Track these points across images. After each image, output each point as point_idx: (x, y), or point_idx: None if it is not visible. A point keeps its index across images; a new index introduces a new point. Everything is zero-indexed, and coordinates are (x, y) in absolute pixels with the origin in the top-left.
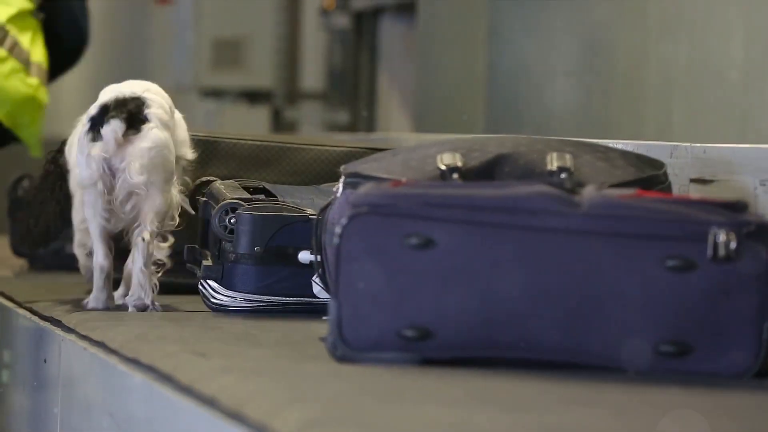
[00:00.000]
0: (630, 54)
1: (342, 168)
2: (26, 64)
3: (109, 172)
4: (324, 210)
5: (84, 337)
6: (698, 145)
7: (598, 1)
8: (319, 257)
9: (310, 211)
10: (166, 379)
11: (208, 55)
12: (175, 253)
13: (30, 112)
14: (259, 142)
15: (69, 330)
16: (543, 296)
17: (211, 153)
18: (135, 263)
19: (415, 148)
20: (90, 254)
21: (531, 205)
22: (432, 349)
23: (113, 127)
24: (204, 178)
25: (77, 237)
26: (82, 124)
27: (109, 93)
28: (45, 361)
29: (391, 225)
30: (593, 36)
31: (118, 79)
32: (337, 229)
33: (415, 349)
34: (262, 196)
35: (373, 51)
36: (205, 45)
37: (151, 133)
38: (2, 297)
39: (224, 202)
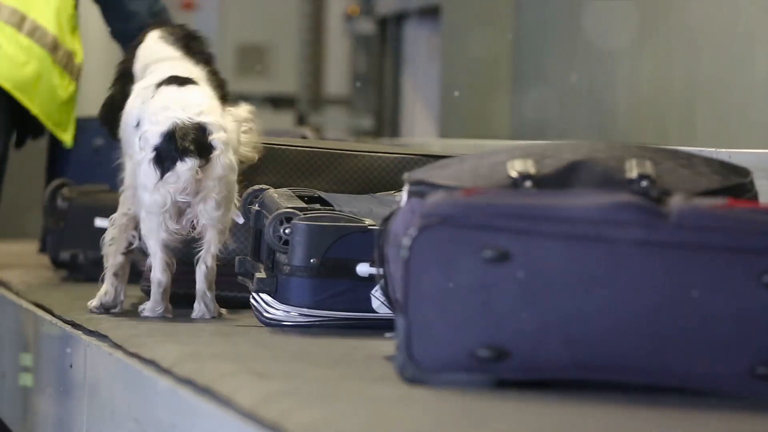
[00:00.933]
0: (654, 60)
1: (406, 176)
2: (77, 74)
3: (178, 206)
4: (387, 220)
5: (133, 355)
6: (723, 150)
7: (622, 6)
8: (381, 270)
9: (368, 221)
10: (224, 402)
11: (232, 61)
12: (226, 265)
13: (68, 112)
14: (309, 149)
15: (91, 334)
16: (627, 314)
17: (259, 160)
18: (198, 286)
19: (483, 155)
20: (124, 253)
21: (615, 215)
22: (508, 371)
23: (190, 166)
24: (257, 187)
25: (110, 233)
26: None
27: (164, 117)
28: (71, 367)
29: (464, 237)
30: (617, 41)
31: None
32: (406, 242)
33: (490, 370)
34: (318, 206)
35: (397, 56)
36: (229, 51)
37: (220, 162)
38: (37, 306)
39: (278, 211)
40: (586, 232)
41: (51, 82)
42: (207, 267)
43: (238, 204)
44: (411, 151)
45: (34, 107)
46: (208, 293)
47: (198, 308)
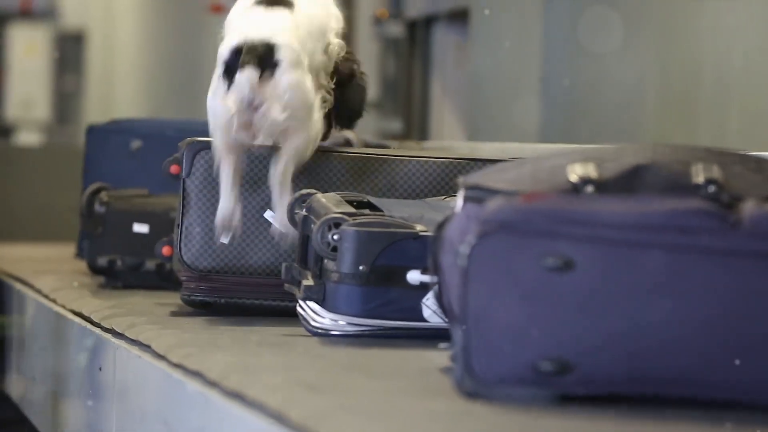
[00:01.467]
0: (684, 62)
1: (461, 180)
2: None
3: (246, 115)
4: (441, 226)
5: (177, 366)
6: (754, 153)
7: (651, 9)
8: (435, 278)
9: (419, 227)
10: (275, 417)
11: None
12: (269, 272)
13: None
14: (353, 154)
15: (120, 336)
16: (698, 325)
17: (303, 166)
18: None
19: (541, 159)
20: None
21: (683, 222)
22: (572, 385)
23: (247, 75)
24: (304, 191)
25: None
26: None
27: (239, 34)
28: (100, 369)
29: (526, 244)
30: (647, 44)
31: (173, 86)
32: (464, 249)
33: (553, 384)
34: (367, 211)
35: (426, 60)
36: None
37: (285, 79)
38: (74, 314)
39: (327, 216)
40: (653, 240)
41: None
42: (276, 169)
43: (315, 133)
44: (460, 155)
45: None
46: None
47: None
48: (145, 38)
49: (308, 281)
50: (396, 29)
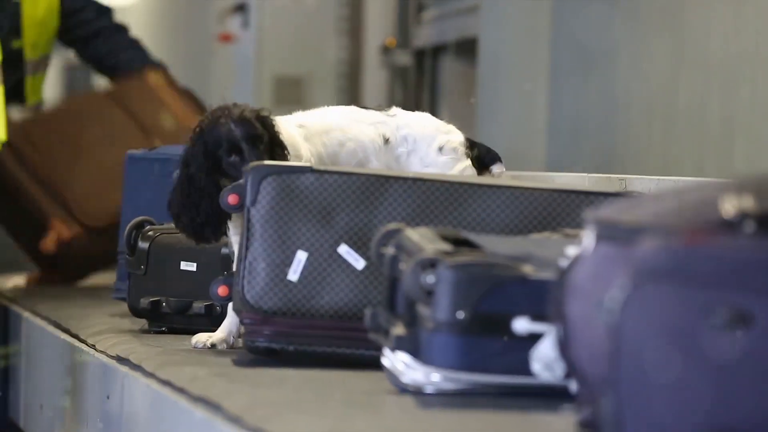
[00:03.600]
0: (691, 91)
1: (590, 215)
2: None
3: None
4: (568, 269)
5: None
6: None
7: (659, 37)
8: (561, 329)
9: (527, 267)
10: None
11: (269, 93)
12: (344, 315)
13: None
14: (438, 182)
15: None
16: None
17: (380, 194)
18: None
19: (680, 191)
20: None
21: None
22: None
23: None
24: (391, 226)
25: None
26: None
27: None
28: (108, 398)
29: (690, 295)
30: (654, 73)
31: None
32: (613, 302)
33: None
34: (466, 249)
35: (434, 89)
36: (266, 82)
37: None
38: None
39: (420, 255)
40: None
41: None
42: None
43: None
44: (555, 186)
45: None
46: None
47: None
48: None
49: (398, 330)
50: (404, 58)
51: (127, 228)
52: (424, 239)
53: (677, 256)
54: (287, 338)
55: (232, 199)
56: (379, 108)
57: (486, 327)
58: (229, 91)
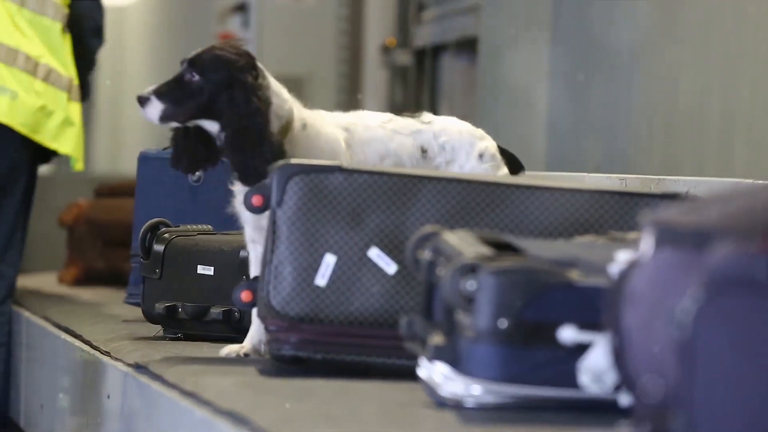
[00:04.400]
0: (692, 91)
1: (647, 218)
2: (69, 89)
3: None
4: (623, 275)
5: None
6: (761, 182)
7: (661, 40)
8: (615, 339)
9: (575, 273)
10: None
11: None
12: (374, 322)
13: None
14: (474, 183)
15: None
16: None
17: (412, 195)
18: None
19: (745, 193)
20: None
21: None
22: None
23: None
24: (428, 229)
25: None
26: None
27: None
28: (108, 397)
29: None
30: (655, 74)
31: None
32: (684, 313)
33: None
34: (508, 253)
35: (434, 88)
36: None
37: None
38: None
39: (460, 260)
40: None
41: (69, 118)
42: None
43: None
44: (599, 187)
45: (61, 147)
46: None
47: None
48: (155, 67)
49: (437, 339)
50: (404, 57)
51: (141, 230)
52: (463, 243)
53: (756, 263)
54: (315, 346)
55: (256, 200)
56: (412, 115)
57: (530, 336)
58: None
